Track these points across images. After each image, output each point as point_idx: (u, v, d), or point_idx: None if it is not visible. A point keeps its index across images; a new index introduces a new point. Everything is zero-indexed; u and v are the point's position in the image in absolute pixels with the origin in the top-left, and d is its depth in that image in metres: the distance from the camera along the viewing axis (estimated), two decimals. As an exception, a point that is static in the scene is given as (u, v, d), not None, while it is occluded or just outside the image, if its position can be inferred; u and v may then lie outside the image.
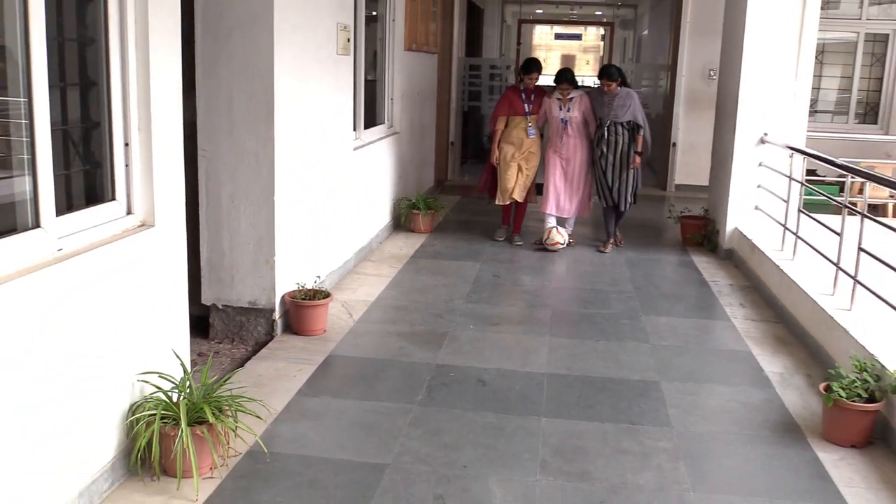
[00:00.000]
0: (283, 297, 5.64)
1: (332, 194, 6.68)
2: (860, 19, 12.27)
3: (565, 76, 8.31)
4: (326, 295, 5.75)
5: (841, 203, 5.96)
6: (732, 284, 7.35)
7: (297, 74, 5.69)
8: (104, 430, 3.53)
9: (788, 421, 4.55)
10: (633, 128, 8.21)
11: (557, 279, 7.55)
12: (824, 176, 9.18)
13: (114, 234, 3.59)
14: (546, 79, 9.01)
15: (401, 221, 9.09)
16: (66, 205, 3.36)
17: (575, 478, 3.84)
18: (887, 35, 12.26)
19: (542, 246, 8.38)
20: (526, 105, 8.32)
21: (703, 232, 8.71)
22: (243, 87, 5.29)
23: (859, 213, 5.61)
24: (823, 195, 6.80)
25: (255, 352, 5.36)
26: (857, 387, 4.27)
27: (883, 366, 4.37)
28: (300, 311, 5.58)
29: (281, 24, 5.30)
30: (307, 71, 5.91)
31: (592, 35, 35.27)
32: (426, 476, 3.80)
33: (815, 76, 12.41)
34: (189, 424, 3.57)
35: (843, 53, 12.61)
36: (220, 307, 5.60)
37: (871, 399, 4.25)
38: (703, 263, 8.08)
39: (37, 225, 3.13)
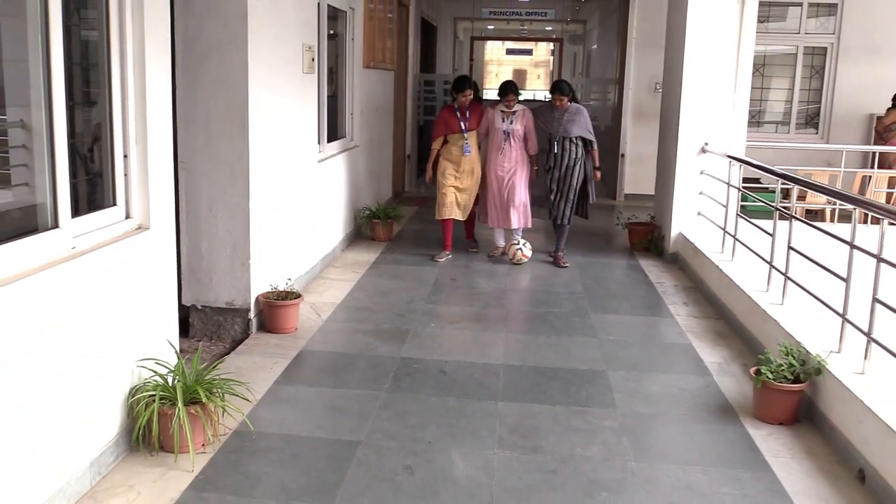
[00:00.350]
0: (257, 297, 6.13)
1: (300, 203, 7.19)
2: (799, 33, 13.09)
3: (510, 88, 8.53)
4: (297, 296, 6.26)
5: (774, 207, 6.60)
6: (677, 285, 7.98)
7: (268, 91, 6.20)
8: (109, 409, 4.00)
9: (724, 403, 5.14)
10: (583, 143, 8.46)
11: (511, 282, 8.09)
12: (768, 184, 9.86)
13: (116, 236, 4.08)
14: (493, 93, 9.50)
15: (361, 230, 9.60)
16: (74, 209, 3.83)
17: (529, 451, 4.38)
18: (825, 48, 13.07)
19: (494, 257, 8.79)
20: (462, 122, 8.46)
21: (649, 237, 9.35)
22: (219, 103, 5.79)
23: (790, 215, 6.26)
24: (760, 200, 7.43)
25: (232, 348, 5.84)
26: (783, 370, 4.87)
27: (808, 351, 4.97)
28: (273, 310, 6.08)
29: (253, 44, 5.81)
30: (277, 88, 6.42)
31: (543, 50, 36.14)
32: (395, 450, 4.32)
33: (759, 88, 13.33)
34: (184, 404, 4.05)
35: (786, 66, 13.42)
36: (199, 307, 6.07)
37: (797, 381, 4.85)
38: (650, 266, 8.71)
39: (56, 225, 3.61)
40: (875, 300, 4.54)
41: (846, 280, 4.96)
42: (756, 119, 13.52)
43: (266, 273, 6.29)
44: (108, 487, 3.82)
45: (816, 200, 9.92)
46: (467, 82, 8.60)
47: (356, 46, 9.39)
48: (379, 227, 9.45)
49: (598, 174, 8.62)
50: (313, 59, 7.41)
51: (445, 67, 20.06)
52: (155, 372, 4.26)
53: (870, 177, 9.96)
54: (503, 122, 8.48)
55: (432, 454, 4.30)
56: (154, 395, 4.11)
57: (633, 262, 8.95)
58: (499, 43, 35.13)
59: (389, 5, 11.06)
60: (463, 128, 8.45)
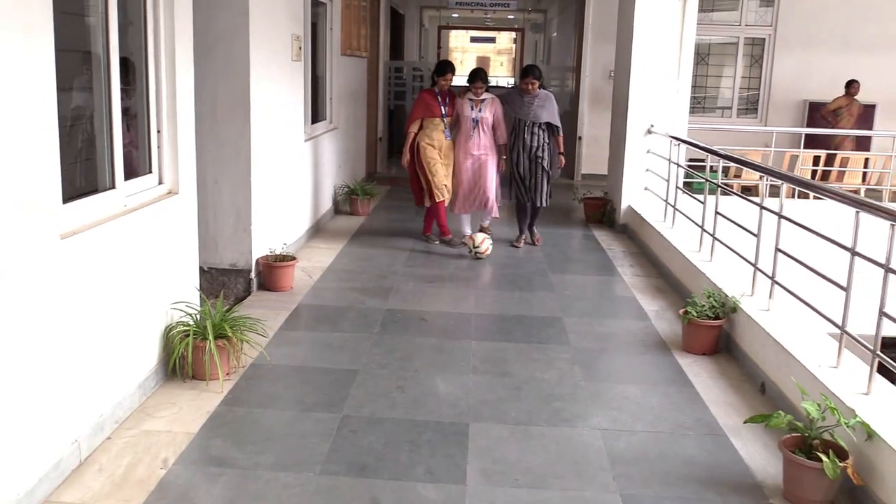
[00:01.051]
0: (257, 259, 6.93)
1: (290, 178, 7.99)
2: (740, 25, 14.06)
3: (479, 75, 8.54)
4: (293, 258, 7.09)
5: (712, 182, 7.49)
6: (625, 251, 8.89)
7: (265, 78, 6.99)
8: (151, 342, 4.81)
9: (658, 340, 6.05)
10: (549, 129, 8.62)
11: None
12: (712, 163, 10.78)
13: (153, 198, 4.86)
14: (460, 80, 10.10)
15: (340, 206, 10.41)
16: (125, 174, 4.62)
17: (498, 375, 5.26)
18: (764, 39, 14.05)
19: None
20: (442, 107, 8.48)
21: (602, 210, 10.26)
22: (225, 88, 6.57)
23: (718, 185, 7.19)
24: (700, 177, 8.31)
25: (236, 304, 6.64)
26: (706, 310, 5.79)
27: (726, 294, 5.90)
28: (272, 271, 6.89)
29: (254, 36, 6.60)
30: (271, 75, 7.21)
31: (506, 39, 36.99)
32: (388, 376, 5.17)
33: (705, 76, 14.29)
34: (214, 338, 4.87)
35: (729, 56, 14.40)
36: (206, 269, 6.86)
37: (717, 318, 5.77)
38: (602, 236, 9.62)
39: (112, 186, 4.41)
40: (777, 250, 5.48)
41: (757, 235, 5.90)
42: (702, 105, 14.51)
43: (264, 238, 7.09)
44: (154, 404, 4.63)
45: (751, 177, 10.89)
46: (449, 67, 8.68)
47: (335, 35, 10.16)
48: (357, 203, 10.27)
49: (563, 160, 8.84)
50: (300, 48, 8.20)
51: (412, 55, 20.86)
52: (186, 312, 5.08)
53: (797, 156, 10.94)
54: (472, 110, 8.48)
55: (419, 378, 5.15)
56: (188, 331, 4.92)
57: (588, 233, 9.85)
58: (463, 31, 35.98)
59: (363, -4, 11.85)
60: (443, 112, 8.48)
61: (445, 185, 8.55)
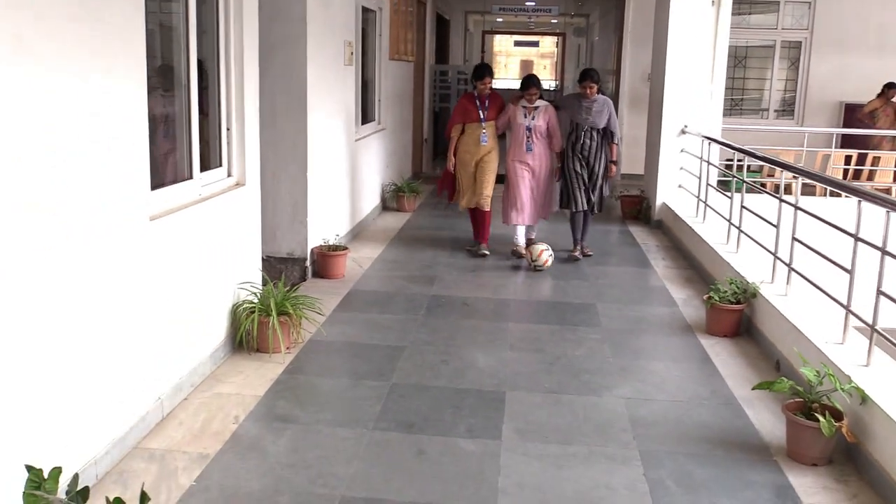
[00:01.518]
0: (312, 249, 7.48)
1: (342, 175, 8.54)
2: (776, 28, 14.38)
3: (532, 82, 8.32)
4: (345, 248, 7.63)
5: (735, 177, 7.91)
6: (658, 245, 9.33)
7: (320, 80, 7.54)
8: (220, 317, 5.36)
9: (684, 324, 6.49)
10: (606, 135, 8.34)
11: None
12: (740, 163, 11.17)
13: (222, 189, 5.42)
14: (502, 83, 10.56)
15: (388, 202, 10.95)
16: (201, 166, 5.17)
17: (532, 352, 5.75)
18: (800, 42, 14.36)
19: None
20: (480, 111, 8.25)
21: (638, 207, 10.69)
22: (284, 90, 7.12)
23: (745, 182, 7.60)
24: (733, 175, 8.69)
25: (294, 288, 7.18)
26: (728, 295, 6.22)
27: (747, 281, 6.32)
28: (326, 259, 7.43)
29: (311, 42, 7.15)
30: (326, 78, 7.76)
31: (549, 42, 37.39)
32: (432, 352, 5.68)
33: (742, 78, 14.62)
34: (277, 314, 5.41)
35: (766, 58, 14.72)
36: (265, 257, 7.39)
37: (738, 303, 6.20)
38: (638, 232, 10.05)
39: (190, 177, 4.97)
40: (794, 239, 5.91)
41: (776, 226, 6.32)
42: (739, 107, 14.85)
43: (318, 230, 7.64)
44: (223, 372, 5.19)
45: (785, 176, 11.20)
46: (486, 70, 8.48)
47: (383, 41, 10.71)
48: (403, 200, 10.80)
49: (614, 169, 8.50)
50: (352, 54, 8.74)
51: (457, 59, 21.38)
52: (251, 292, 5.63)
53: (829, 155, 11.27)
54: (525, 117, 8.23)
55: (461, 353, 5.66)
56: (253, 308, 5.47)
57: (624, 229, 10.28)
58: (507, 35, 36.47)
59: (410, 2, 12.38)
60: (481, 116, 8.24)
61: (482, 194, 8.30)
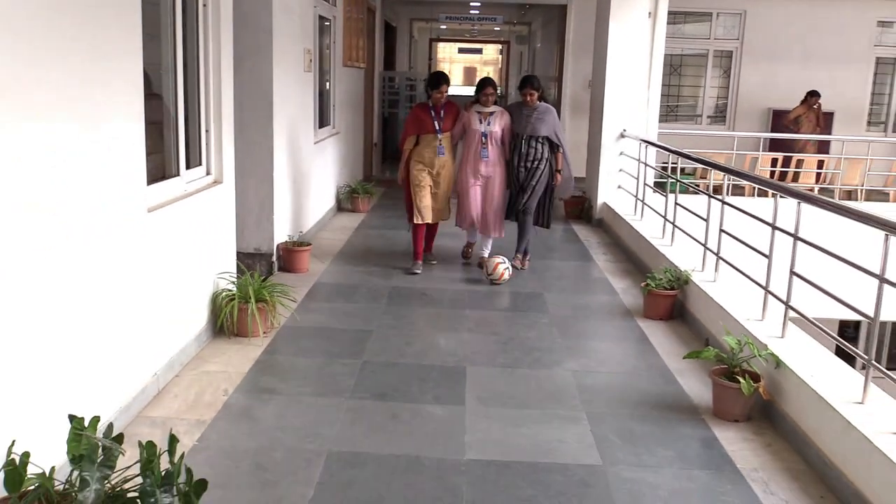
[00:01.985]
0: (278, 245, 7.99)
1: (303, 176, 9.07)
2: (709, 38, 15.23)
3: (488, 82, 8.10)
4: (308, 244, 8.17)
5: (669, 178, 8.62)
6: (599, 241, 10.02)
7: (284, 88, 8.06)
8: (202, 304, 5.87)
9: (624, 310, 7.15)
10: (549, 144, 8.11)
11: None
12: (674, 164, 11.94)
13: (203, 186, 5.92)
14: (456, 89, 11.16)
15: (343, 203, 11.48)
16: (186, 165, 5.67)
17: (488, 334, 6.36)
18: (731, 51, 15.24)
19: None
20: (436, 122, 7.90)
21: (580, 208, 11.39)
22: (250, 97, 7.62)
23: (678, 182, 8.31)
24: (670, 177, 9.40)
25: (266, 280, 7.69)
26: (662, 282, 6.89)
27: (680, 270, 7.00)
28: (291, 254, 7.95)
29: (275, 51, 7.67)
30: (289, 85, 8.28)
31: (492, 50, 38.19)
32: (397, 335, 6.26)
33: (679, 86, 15.42)
34: (255, 300, 5.92)
35: (701, 67, 15.58)
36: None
37: (672, 289, 6.87)
38: (580, 230, 10.74)
39: (178, 174, 5.47)
40: (722, 231, 6.61)
41: (706, 220, 7.01)
42: (675, 113, 15.67)
43: (283, 227, 8.16)
44: (208, 354, 5.69)
45: (716, 177, 12.02)
46: (444, 78, 8.10)
47: (337, 48, 11.25)
48: (358, 201, 11.36)
49: (559, 177, 8.23)
50: (311, 61, 9.27)
51: (403, 65, 21.98)
52: (229, 281, 6.14)
53: (757, 158, 12.11)
54: (480, 123, 7.95)
55: (423, 337, 6.25)
56: (232, 296, 5.98)
57: (568, 227, 10.96)
58: (452, 43, 37.24)
59: (361, 10, 12.93)
60: (437, 127, 7.89)
61: (438, 209, 8.12)
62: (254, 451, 4.30)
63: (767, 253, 5.65)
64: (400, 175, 8.25)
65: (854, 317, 5.16)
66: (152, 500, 3.08)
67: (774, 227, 5.58)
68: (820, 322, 4.97)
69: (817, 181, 12.61)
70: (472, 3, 18.81)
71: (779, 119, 14.42)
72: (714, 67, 15.41)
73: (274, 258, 7.96)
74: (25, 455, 3.16)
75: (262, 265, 7.94)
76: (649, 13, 10.70)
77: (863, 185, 12.11)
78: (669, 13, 11.25)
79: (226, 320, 5.95)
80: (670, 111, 15.47)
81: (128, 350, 4.59)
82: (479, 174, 8.06)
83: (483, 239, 8.40)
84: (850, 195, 12.20)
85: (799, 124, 13.54)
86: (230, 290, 6.10)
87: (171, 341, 5.25)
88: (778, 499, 4.02)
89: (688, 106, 15.89)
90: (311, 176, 9.49)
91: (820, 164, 12.94)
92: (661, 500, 3.98)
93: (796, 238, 5.24)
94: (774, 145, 13.72)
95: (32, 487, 3.16)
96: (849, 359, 6.02)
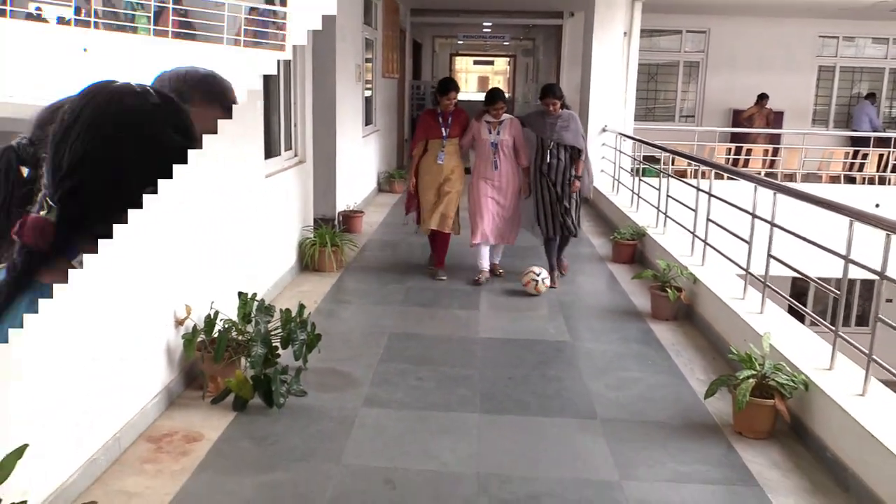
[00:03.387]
0: (339, 212, 9.58)
1: (354, 162, 10.65)
2: (679, 51, 16.70)
3: (498, 95, 7.29)
4: (361, 212, 9.77)
5: (641, 164, 10.14)
6: (584, 213, 11.50)
7: (343, 95, 9.63)
8: (292, 248, 7.45)
9: (598, 257, 8.69)
10: (573, 152, 7.29)
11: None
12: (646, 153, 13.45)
13: (293, 163, 7.51)
14: (463, 95, 12.55)
15: (382, 186, 13.07)
16: (284, 148, 7.25)
17: (502, 310, 7.32)
18: (698, 62, 16.70)
19: (479, 283, 7.51)
20: (443, 128, 7.28)
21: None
22: (321, 102, 9.17)
23: (645, 166, 9.83)
24: (647, 164, 10.89)
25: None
26: (626, 235, 8.42)
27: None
28: (350, 219, 9.55)
29: (338, 69, 9.23)
30: (346, 93, 9.85)
31: (502, 62, 39.70)
32: (428, 276, 7.81)
33: (655, 90, 16.86)
34: (330, 245, 7.50)
35: (674, 74, 17.04)
36: (306, 218, 9.51)
37: (633, 240, 8.39)
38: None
39: (279, 153, 7.06)
40: (669, 197, 8.15)
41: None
42: (653, 113, 17.14)
43: (342, 199, 9.74)
44: (298, 282, 7.28)
45: (680, 163, 13.53)
46: (452, 84, 7.42)
47: (377, 63, 12.81)
48: (395, 183, 12.94)
49: (577, 184, 7.36)
50: (360, 74, 10.84)
51: (428, 75, 23.56)
52: (311, 233, 7.73)
53: (714, 148, 13.62)
54: (490, 133, 7.22)
55: (450, 276, 7.78)
56: (314, 242, 7.56)
57: (561, 204, 12.47)
58: (468, 56, 38.83)
59: (395, 31, 14.48)
60: (443, 133, 7.28)
61: (445, 216, 7.40)
62: (340, 332, 5.90)
63: (694, 208, 7.19)
64: (410, 183, 7.56)
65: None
66: (293, 336, 4.70)
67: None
68: (756, 275, 6.51)
69: (763, 166, 14.08)
70: (484, 24, 20.37)
71: (737, 117, 15.88)
72: (684, 75, 16.84)
73: (336, 222, 9.54)
74: (216, 313, 4.76)
75: (327, 228, 9.52)
76: (625, 32, 12.21)
77: (800, 170, 13.58)
78: (646, 30, 12.74)
79: (308, 260, 7.53)
80: (649, 112, 16.93)
81: (257, 268, 6.17)
82: (491, 186, 7.31)
83: (492, 253, 7.74)
84: (790, 178, 13.66)
85: (752, 121, 14.99)
86: (311, 238, 7.69)
87: (277, 270, 6.85)
88: (684, 359, 5.59)
89: (664, 107, 17.33)
90: (360, 162, 11.08)
91: (767, 153, 14.40)
92: (608, 359, 5.56)
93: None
94: (734, 137, 15.16)
95: (220, 329, 4.76)
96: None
